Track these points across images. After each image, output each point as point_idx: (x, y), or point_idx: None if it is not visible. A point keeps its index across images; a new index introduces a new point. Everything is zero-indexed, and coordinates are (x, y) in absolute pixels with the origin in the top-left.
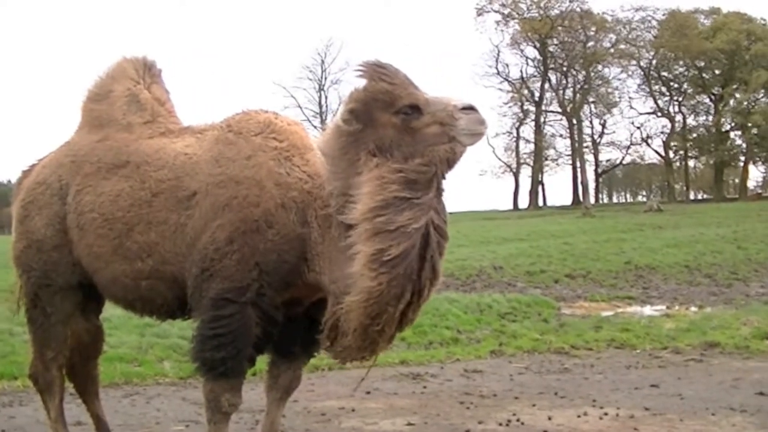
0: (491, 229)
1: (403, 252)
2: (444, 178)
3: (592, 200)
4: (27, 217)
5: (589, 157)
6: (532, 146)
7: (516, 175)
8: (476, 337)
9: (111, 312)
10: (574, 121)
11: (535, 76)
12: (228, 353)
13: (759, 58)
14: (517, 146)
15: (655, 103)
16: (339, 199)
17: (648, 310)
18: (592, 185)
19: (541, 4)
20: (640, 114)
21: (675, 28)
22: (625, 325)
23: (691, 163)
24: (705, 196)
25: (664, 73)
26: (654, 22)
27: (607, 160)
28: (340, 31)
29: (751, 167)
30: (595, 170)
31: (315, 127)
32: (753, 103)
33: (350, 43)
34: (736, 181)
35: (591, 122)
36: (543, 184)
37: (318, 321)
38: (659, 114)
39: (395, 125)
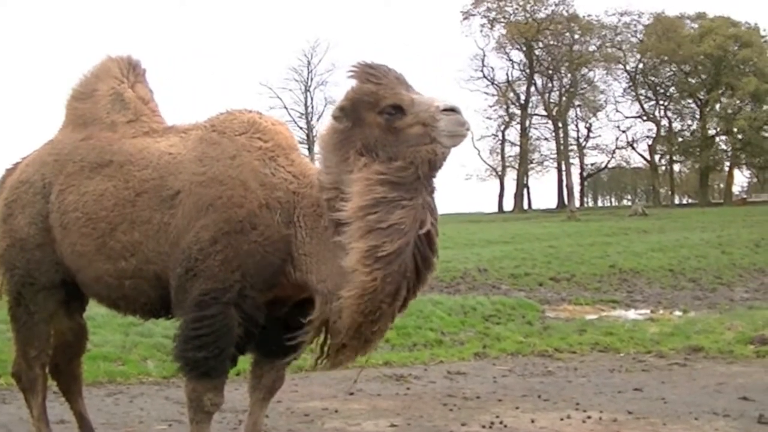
0: (476, 231)
1: (398, 249)
2: (431, 178)
3: (577, 204)
4: (10, 215)
5: (575, 161)
6: (517, 149)
7: (501, 178)
8: (460, 339)
9: (95, 311)
10: (560, 125)
11: (520, 80)
12: (210, 353)
13: (746, 63)
14: (503, 149)
15: (641, 107)
16: (330, 193)
17: (632, 313)
18: (577, 189)
19: (527, 8)
20: (626, 118)
21: (661, 32)
22: (609, 329)
23: (676, 167)
24: (690, 200)
25: (651, 77)
26: (640, 27)
27: (593, 164)
28: (335, 33)
29: (736, 172)
30: (581, 174)
31: (301, 128)
32: (738, 108)
33: (346, 44)
34: (721, 185)
35: (576, 126)
36: (528, 187)
37: (302, 322)
38: (645, 118)
39: (380, 125)
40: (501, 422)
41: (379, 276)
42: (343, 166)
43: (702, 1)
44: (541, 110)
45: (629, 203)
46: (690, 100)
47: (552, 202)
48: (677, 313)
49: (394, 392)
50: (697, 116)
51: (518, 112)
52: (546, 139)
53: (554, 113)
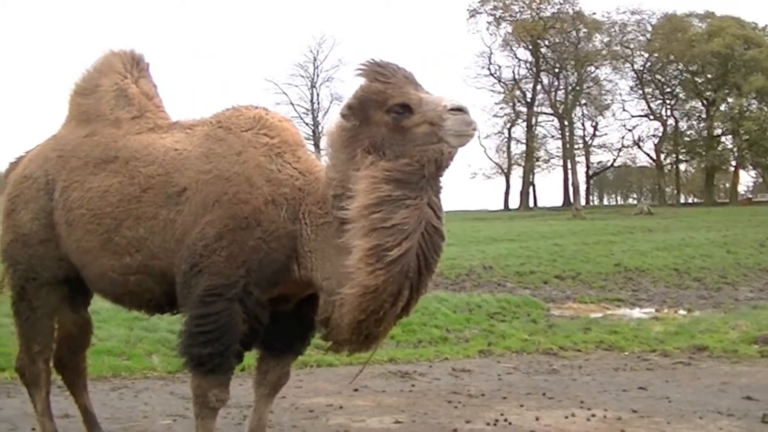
0: (481, 229)
1: (401, 249)
2: (437, 177)
3: (583, 202)
4: (13, 211)
5: (581, 159)
6: (523, 147)
7: (507, 176)
8: (465, 336)
9: (100, 305)
10: (566, 123)
11: (527, 78)
12: (215, 349)
13: (754, 63)
14: (509, 147)
15: (648, 106)
16: (337, 191)
17: (637, 312)
18: (582, 187)
19: (533, 6)
20: (632, 117)
21: (669, 31)
22: (613, 327)
23: (682, 166)
24: (695, 200)
25: (658, 76)
26: (648, 26)
27: (598, 162)
28: (339, 30)
29: (741, 172)
30: (586, 172)
31: (306, 124)
32: (745, 108)
33: (350, 41)
34: (727, 185)
35: (583, 124)
36: (534, 185)
37: (307, 318)
38: (651, 117)
39: (387, 124)
40: (505, 420)
41: (381, 277)
42: (349, 164)
43: (711, 0)
44: (547, 108)
45: (635, 202)
46: (696, 100)
47: (558, 201)
48: (682, 312)
49: (399, 389)
50: (704, 116)
51: (524, 110)
52: (552, 137)
53: (560, 111)
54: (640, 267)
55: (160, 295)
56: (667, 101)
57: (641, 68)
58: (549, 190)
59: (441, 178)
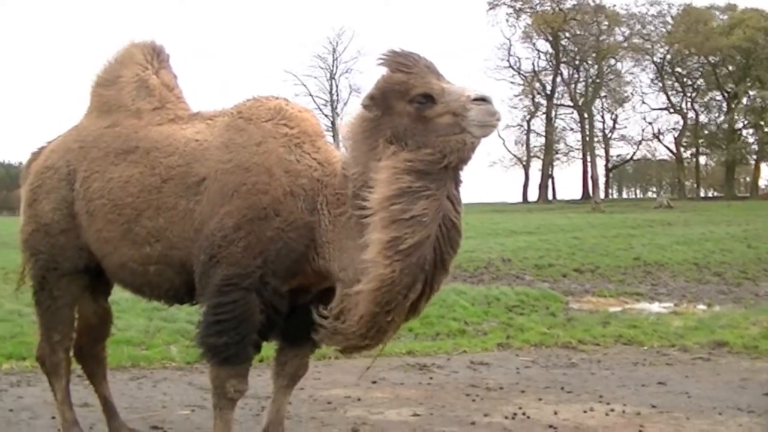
0: (500, 221)
1: (419, 241)
2: (459, 169)
3: (602, 195)
4: (35, 201)
5: (600, 152)
6: (542, 139)
7: (526, 168)
8: (483, 329)
9: (119, 295)
10: (586, 115)
11: (546, 70)
12: (231, 339)
13: None
14: (528, 139)
15: (668, 98)
16: (357, 182)
17: (656, 307)
18: (602, 180)
19: None
20: (652, 109)
21: (690, 24)
22: (632, 322)
23: (702, 160)
24: (715, 193)
25: (678, 69)
26: (669, 18)
27: (618, 155)
28: (359, 21)
29: (762, 166)
30: (606, 165)
31: (326, 115)
32: (767, 102)
33: (369, 33)
34: (748, 179)
35: (602, 117)
36: (553, 178)
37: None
38: (671, 110)
39: (409, 114)
40: (524, 413)
41: (397, 268)
42: (371, 155)
43: None
44: (566, 101)
45: (654, 195)
46: (717, 93)
47: (576, 193)
48: (701, 307)
49: (417, 381)
50: (724, 109)
51: (544, 102)
52: (571, 129)
53: (580, 104)
54: (659, 261)
55: (179, 285)
56: (688, 94)
57: (661, 61)
58: (568, 182)
59: (462, 171)
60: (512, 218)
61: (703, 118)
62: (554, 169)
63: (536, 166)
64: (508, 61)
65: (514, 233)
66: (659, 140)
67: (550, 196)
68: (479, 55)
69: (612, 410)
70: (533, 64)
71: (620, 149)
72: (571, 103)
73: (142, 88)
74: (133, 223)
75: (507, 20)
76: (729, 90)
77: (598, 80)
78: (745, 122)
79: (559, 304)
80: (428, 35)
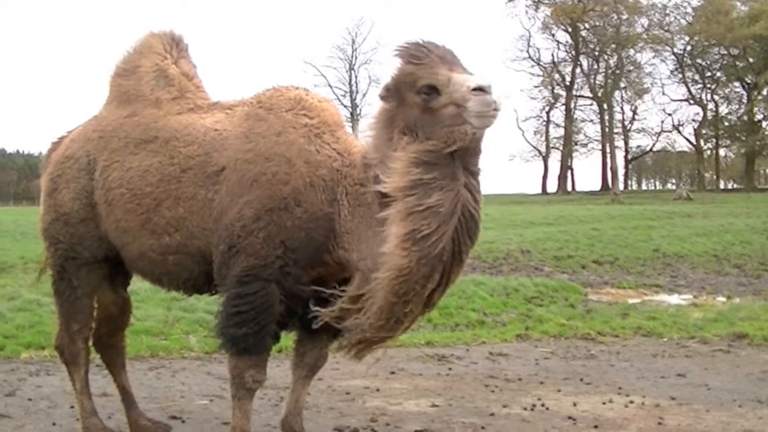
0: (519, 212)
1: (436, 231)
2: (468, 159)
3: (621, 187)
4: (55, 190)
5: (619, 143)
6: (561, 131)
7: (545, 160)
8: (502, 320)
9: (138, 285)
10: (605, 107)
11: (566, 61)
12: (250, 329)
13: None
14: (547, 130)
15: (688, 90)
16: (377, 170)
17: (675, 298)
18: (621, 171)
19: None
20: (672, 101)
21: (710, 15)
22: (652, 314)
23: (722, 151)
24: (735, 185)
25: (698, 60)
26: (689, 8)
27: (637, 147)
28: (378, 11)
29: None
30: (625, 156)
31: (345, 106)
32: None
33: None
34: (767, 171)
35: (622, 108)
36: (572, 169)
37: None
38: (691, 101)
39: (418, 105)
40: (543, 405)
41: (414, 258)
42: (388, 145)
43: None
44: (586, 92)
45: (673, 187)
46: (737, 84)
47: (596, 185)
48: (721, 299)
49: (436, 372)
50: (745, 100)
51: (563, 93)
52: (591, 121)
53: (599, 95)
54: (678, 253)
55: (198, 275)
56: (708, 85)
57: (681, 52)
58: (587, 174)
59: (475, 161)
60: (531, 209)
61: (723, 110)
62: (573, 161)
63: (555, 157)
64: (528, 52)
65: (534, 224)
66: (679, 132)
67: (569, 188)
68: (499, 46)
69: (631, 402)
70: (553, 55)
71: (640, 141)
72: (591, 95)
73: (161, 78)
74: (153, 213)
75: (526, 11)
76: (749, 81)
77: (617, 71)
78: (766, 114)
79: (578, 296)
80: (448, 25)
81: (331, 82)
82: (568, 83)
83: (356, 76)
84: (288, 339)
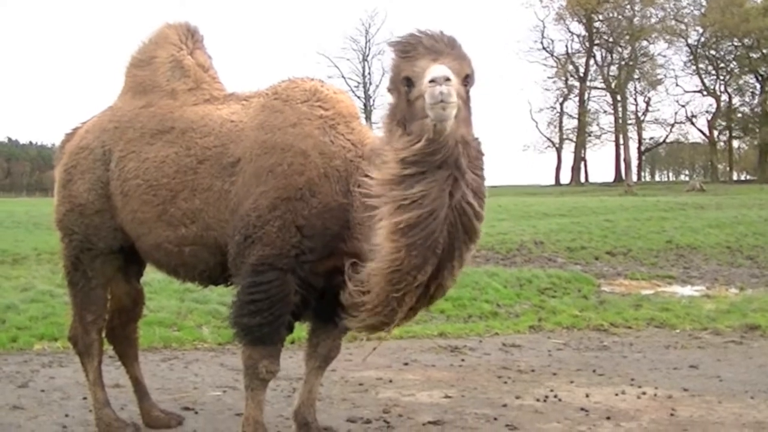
0: (532, 204)
1: (421, 222)
2: (454, 152)
3: (635, 178)
4: (70, 181)
5: (633, 135)
6: (575, 122)
7: (559, 151)
8: (515, 311)
9: (151, 276)
10: (619, 98)
11: (580, 52)
12: (265, 319)
13: None
14: (561, 121)
15: (701, 81)
16: (372, 163)
17: (688, 290)
18: (634, 163)
19: None
20: (686, 92)
21: (724, 6)
22: (665, 305)
23: (735, 143)
24: (748, 177)
25: (712, 52)
26: (703, 0)
27: (651, 138)
28: (388, 1)
29: None
30: (638, 148)
31: (358, 97)
32: None
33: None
34: None
35: (635, 99)
36: (585, 160)
37: None
38: (705, 93)
39: (403, 98)
40: (555, 396)
41: (403, 249)
42: (388, 136)
43: None
44: (599, 83)
45: (687, 179)
46: (751, 76)
47: (609, 176)
48: (734, 290)
49: (449, 363)
50: (758, 92)
51: (577, 84)
52: (604, 112)
53: (613, 86)
54: (691, 244)
55: (214, 266)
56: (721, 77)
57: (695, 43)
58: (601, 165)
59: (462, 153)
60: (545, 201)
61: (736, 101)
62: (587, 152)
63: (569, 148)
64: (542, 43)
65: (547, 216)
66: (692, 123)
67: (582, 179)
68: (513, 37)
69: (644, 393)
70: (566, 46)
71: (653, 132)
72: (604, 86)
73: (176, 69)
74: (169, 204)
75: (541, 1)
76: (763, 73)
77: (631, 62)
78: None
79: (591, 287)
80: (462, 16)
81: (345, 73)
82: (581, 74)
83: (370, 67)
84: (301, 330)
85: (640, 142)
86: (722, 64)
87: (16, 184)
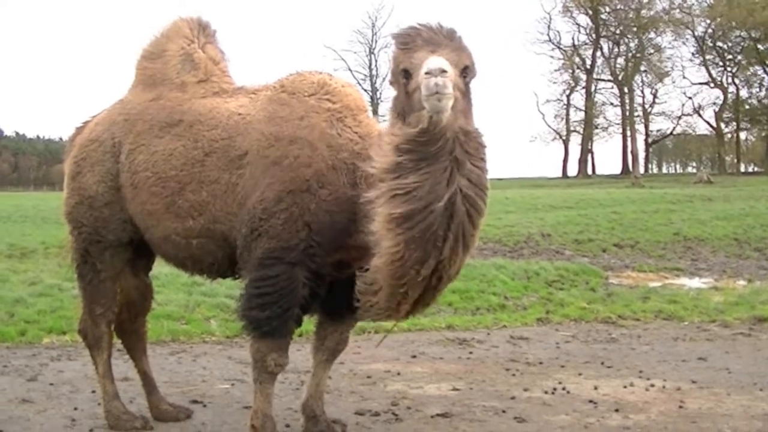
0: (540, 196)
1: (417, 213)
2: (452, 143)
3: (642, 170)
4: (79, 173)
5: (640, 127)
6: (582, 114)
7: (565, 143)
8: (523, 304)
9: (159, 270)
10: (626, 90)
11: (586, 44)
12: (273, 312)
13: None
14: (568, 114)
15: (708, 73)
16: (372, 154)
17: (696, 282)
18: (642, 155)
19: None
20: (693, 84)
21: None
22: (672, 297)
23: (742, 135)
24: (756, 169)
25: (719, 43)
26: None
27: (658, 130)
28: None
29: None
30: (645, 140)
31: (365, 90)
32: None
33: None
34: None
35: (642, 91)
36: (592, 153)
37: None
38: (712, 85)
39: (403, 90)
40: (564, 388)
41: (401, 241)
42: (391, 128)
43: None
44: (606, 75)
45: (694, 171)
46: (758, 68)
47: (616, 168)
48: (742, 282)
49: (457, 356)
50: (765, 84)
51: (584, 76)
52: (611, 104)
53: (620, 78)
54: (699, 236)
55: (222, 259)
56: (729, 68)
57: (702, 35)
58: (608, 157)
59: (461, 144)
60: (552, 193)
61: (743, 93)
62: (594, 144)
63: (576, 140)
64: (548, 35)
65: (554, 208)
66: (699, 115)
67: (589, 171)
68: (520, 28)
69: (652, 385)
70: (573, 38)
71: (660, 124)
72: (611, 78)
73: (187, 62)
74: (177, 196)
75: None
76: None
77: (638, 55)
78: None
79: (598, 279)
80: (468, 8)
81: (352, 66)
82: (588, 66)
83: (376, 60)
84: (309, 322)
85: (647, 134)
86: (729, 56)
87: (24, 178)
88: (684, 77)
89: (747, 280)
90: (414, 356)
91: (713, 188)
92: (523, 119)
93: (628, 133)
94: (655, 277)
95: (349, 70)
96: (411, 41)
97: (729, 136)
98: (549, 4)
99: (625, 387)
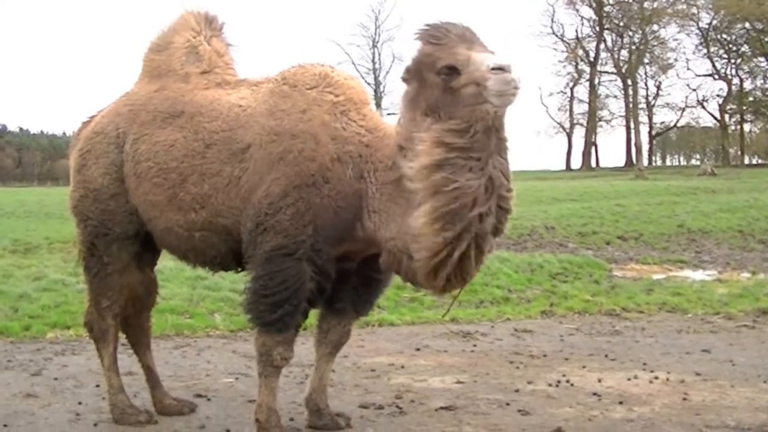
0: (543, 188)
1: (465, 210)
2: (492, 138)
3: (646, 162)
4: (84, 166)
5: (644, 119)
6: (586, 106)
7: (569, 136)
8: (527, 296)
9: (163, 264)
10: (629, 82)
11: (590, 36)
12: (279, 306)
13: None
14: (571, 106)
15: (713, 65)
16: (404, 152)
17: (700, 274)
18: (645, 147)
19: None
20: (697, 76)
21: None
22: (676, 289)
23: (746, 127)
24: (760, 161)
25: (723, 35)
26: None
27: (662, 123)
28: None
29: None
30: (649, 132)
31: (368, 83)
32: None
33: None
34: None
35: (646, 84)
36: (596, 145)
37: (370, 278)
38: (716, 77)
39: (438, 86)
40: (567, 381)
41: (447, 236)
42: (412, 125)
43: None
44: (610, 67)
45: (698, 163)
46: (762, 59)
47: (620, 161)
48: (746, 274)
49: (461, 349)
50: None
51: (587, 69)
52: (615, 96)
53: (624, 71)
54: (703, 228)
55: (225, 253)
56: (733, 60)
57: (706, 26)
58: (611, 150)
59: (501, 138)
60: (555, 185)
61: (747, 85)
62: (597, 137)
63: (579, 133)
64: (552, 27)
65: (558, 201)
66: (703, 107)
67: (593, 164)
68: (523, 21)
69: (656, 378)
70: (576, 30)
71: (664, 116)
72: (615, 70)
73: (192, 54)
74: (179, 188)
75: None
76: None
77: (642, 47)
78: None
79: (602, 272)
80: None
81: (355, 59)
82: (592, 59)
83: (380, 54)
84: (313, 316)
85: (650, 127)
86: (734, 48)
87: (28, 173)
88: (688, 69)
89: (751, 272)
90: (418, 349)
91: (717, 180)
92: (527, 111)
93: (632, 125)
94: (659, 269)
95: (353, 63)
96: (444, 37)
97: (733, 128)
98: None
99: (629, 379)
